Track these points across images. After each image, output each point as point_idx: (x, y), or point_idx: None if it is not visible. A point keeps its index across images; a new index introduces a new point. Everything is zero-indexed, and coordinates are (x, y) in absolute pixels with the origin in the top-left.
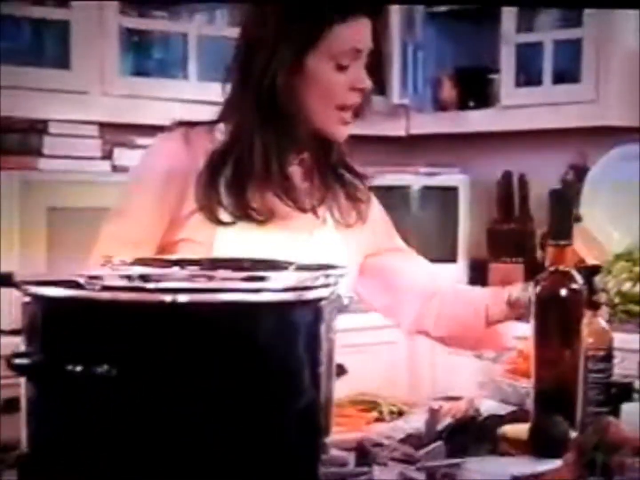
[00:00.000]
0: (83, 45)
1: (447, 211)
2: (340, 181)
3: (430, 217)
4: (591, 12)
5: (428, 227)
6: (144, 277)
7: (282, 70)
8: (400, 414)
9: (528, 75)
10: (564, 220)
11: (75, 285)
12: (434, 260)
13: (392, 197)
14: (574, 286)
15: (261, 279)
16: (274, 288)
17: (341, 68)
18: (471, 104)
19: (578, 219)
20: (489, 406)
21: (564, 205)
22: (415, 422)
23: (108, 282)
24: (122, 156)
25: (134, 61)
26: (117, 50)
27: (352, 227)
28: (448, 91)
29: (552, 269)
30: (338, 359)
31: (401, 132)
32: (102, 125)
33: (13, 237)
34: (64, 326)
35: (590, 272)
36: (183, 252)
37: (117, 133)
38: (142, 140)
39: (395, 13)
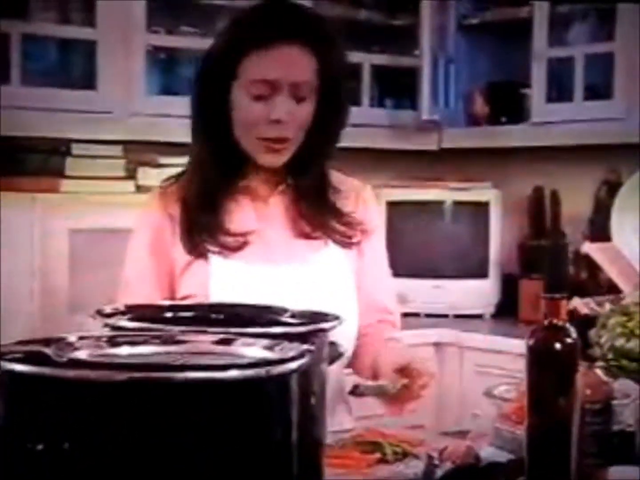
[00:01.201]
0: (109, 65)
1: (478, 226)
2: (331, 206)
3: (461, 232)
4: (623, 26)
5: (459, 242)
6: (113, 341)
7: (211, 100)
8: (405, 454)
9: (560, 91)
10: (559, 273)
11: (42, 357)
12: (464, 276)
13: (423, 212)
14: (569, 341)
15: (230, 341)
16: (239, 364)
17: (258, 98)
18: (503, 119)
19: None
20: (488, 453)
21: (559, 258)
22: (416, 467)
23: (75, 354)
24: (147, 175)
25: (161, 80)
26: (144, 69)
27: (356, 246)
28: (480, 106)
29: (546, 322)
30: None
31: (433, 147)
32: (127, 145)
33: (34, 259)
34: (26, 400)
35: (585, 324)
36: None
37: (141, 152)
38: (166, 160)
39: (426, 26)
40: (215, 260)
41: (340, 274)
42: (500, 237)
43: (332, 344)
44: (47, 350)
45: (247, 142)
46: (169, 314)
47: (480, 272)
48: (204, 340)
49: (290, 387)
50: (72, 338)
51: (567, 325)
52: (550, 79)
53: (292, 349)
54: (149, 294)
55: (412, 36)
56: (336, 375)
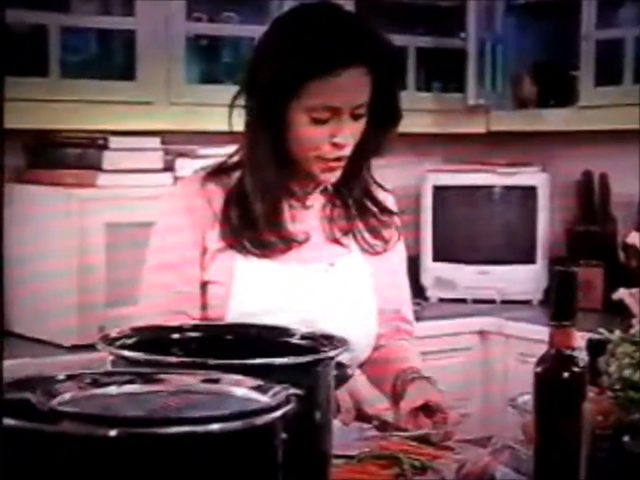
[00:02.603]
0: (148, 55)
1: (526, 211)
2: (363, 214)
3: (508, 216)
4: None
5: (506, 227)
6: (98, 381)
7: (263, 117)
8: (424, 468)
9: (609, 73)
10: (568, 300)
11: (26, 406)
12: (512, 261)
13: (470, 197)
14: (576, 369)
15: (216, 381)
16: (221, 416)
17: (317, 122)
18: (552, 101)
19: None
20: (504, 475)
21: (569, 284)
22: None
23: (60, 399)
24: (185, 166)
25: (201, 68)
26: (184, 57)
27: (379, 255)
28: (528, 88)
29: (553, 351)
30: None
31: (481, 130)
32: (165, 137)
33: (71, 254)
34: (7, 452)
35: (597, 349)
36: (208, 295)
37: (179, 143)
38: (204, 150)
39: (472, 8)
40: (243, 258)
41: (363, 280)
42: (548, 222)
43: (341, 365)
44: (32, 397)
45: (305, 159)
46: (176, 336)
47: (528, 258)
48: (192, 380)
49: (275, 434)
50: (60, 377)
51: (575, 353)
52: (599, 61)
53: (279, 392)
54: (187, 270)
55: (459, 18)
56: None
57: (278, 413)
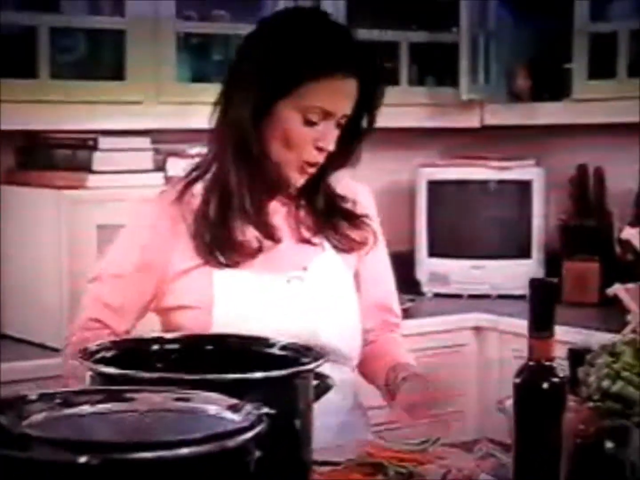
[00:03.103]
0: (138, 54)
1: (521, 205)
2: (331, 212)
3: (503, 211)
4: None
5: (501, 221)
6: (69, 401)
7: (251, 113)
8: (410, 475)
9: (602, 67)
10: (546, 311)
11: None
12: (507, 256)
13: (464, 191)
14: (555, 380)
15: (189, 399)
16: (192, 439)
17: (309, 123)
18: (546, 95)
19: None
20: None
21: (546, 295)
22: None
23: (32, 420)
24: (176, 166)
25: (191, 66)
26: (174, 56)
27: (354, 252)
28: (522, 81)
29: (532, 362)
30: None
31: (475, 124)
32: (155, 136)
33: (62, 255)
34: None
35: (578, 358)
36: (181, 319)
37: (170, 143)
38: (195, 150)
39: (464, 4)
40: (221, 274)
41: (339, 278)
42: (543, 216)
43: (323, 376)
44: (3, 420)
45: (285, 160)
46: (155, 347)
47: (523, 252)
48: (165, 398)
49: (247, 455)
50: (32, 397)
51: (554, 364)
52: (592, 54)
53: (251, 412)
54: (132, 290)
55: (452, 12)
56: (350, 387)
57: (249, 434)
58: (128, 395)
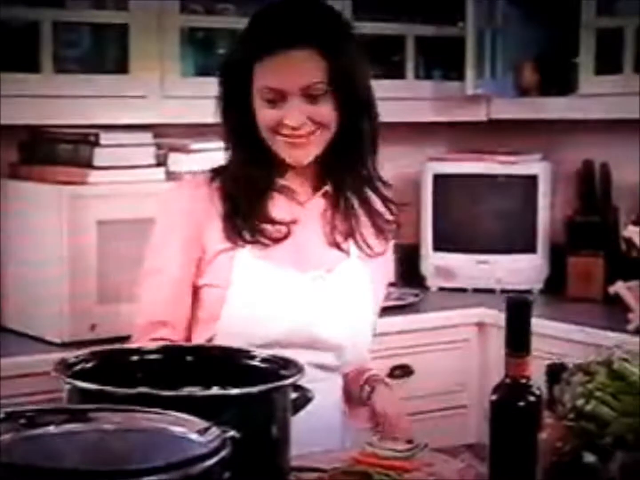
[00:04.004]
0: (142, 48)
1: (527, 199)
2: (367, 211)
3: (508, 205)
4: None
5: (506, 216)
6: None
7: (234, 103)
8: None
9: (608, 62)
10: (522, 329)
11: None
12: (512, 250)
13: (470, 185)
14: (531, 398)
15: (155, 419)
16: (154, 467)
17: (270, 102)
18: (553, 89)
19: None
20: None
21: (522, 314)
22: None
23: None
24: (178, 162)
25: (196, 60)
26: (178, 50)
27: (376, 257)
28: (529, 76)
29: (508, 380)
30: (408, 359)
31: (481, 118)
32: (159, 131)
33: (62, 251)
34: None
35: (556, 375)
36: (205, 298)
37: (174, 137)
38: (197, 145)
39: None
40: (241, 256)
41: (361, 286)
42: (549, 211)
43: (302, 389)
44: None
45: (271, 142)
46: (135, 358)
47: (528, 247)
48: (131, 418)
49: (213, 478)
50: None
51: (530, 382)
52: (599, 49)
53: (218, 436)
54: (178, 279)
55: (458, 6)
56: (333, 394)
57: (212, 461)
58: (94, 414)
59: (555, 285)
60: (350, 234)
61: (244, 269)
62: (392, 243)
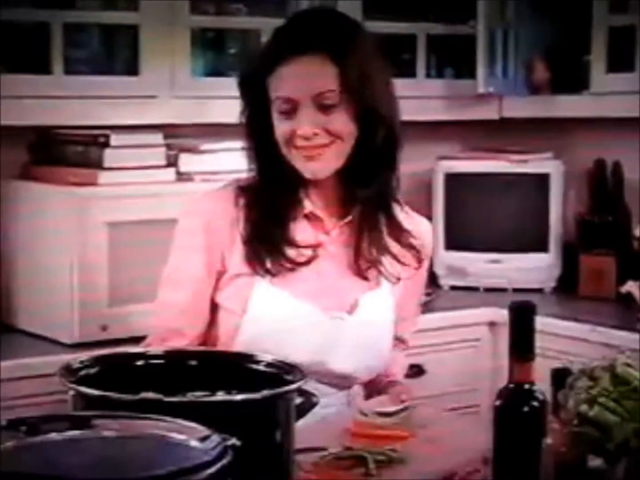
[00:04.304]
0: (152, 49)
1: (539, 198)
2: (394, 230)
3: (520, 204)
4: None
5: (518, 214)
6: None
7: (254, 123)
8: (390, 461)
9: (620, 60)
10: (526, 334)
11: None
12: (524, 249)
13: (482, 184)
14: (535, 404)
15: (157, 426)
16: (154, 476)
17: (283, 114)
18: (565, 88)
19: None
20: None
21: (526, 318)
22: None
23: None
24: (188, 162)
25: (206, 60)
26: (189, 51)
27: (404, 278)
28: (541, 73)
29: (512, 385)
30: (421, 359)
31: (493, 116)
32: (169, 131)
33: (74, 252)
34: None
35: (561, 380)
36: (221, 321)
37: (183, 138)
38: (208, 145)
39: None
40: (260, 284)
41: (383, 320)
42: (561, 210)
43: (307, 393)
44: None
45: (289, 156)
46: (139, 362)
47: (540, 246)
48: (133, 425)
49: None
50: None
51: (535, 387)
52: (611, 48)
53: (218, 444)
54: (198, 290)
55: (470, 3)
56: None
57: (213, 469)
58: (95, 422)
59: (568, 284)
60: (376, 261)
61: (261, 297)
62: (427, 260)
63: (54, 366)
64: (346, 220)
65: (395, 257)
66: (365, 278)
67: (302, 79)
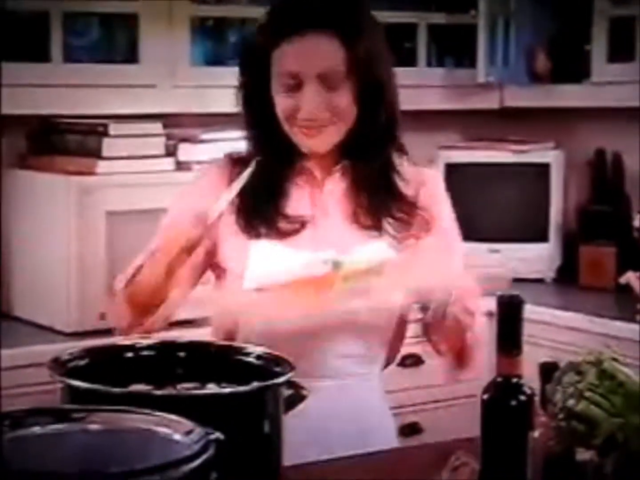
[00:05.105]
0: (152, 37)
1: (539, 188)
2: (391, 194)
3: (521, 194)
4: None
5: (519, 204)
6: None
7: (253, 93)
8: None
9: (621, 50)
10: (513, 328)
11: None
12: (524, 239)
13: (482, 174)
14: (522, 398)
15: (141, 420)
16: (138, 470)
17: (287, 89)
18: (565, 77)
19: None
20: None
21: (513, 312)
22: None
23: None
24: (187, 152)
25: (206, 49)
26: (188, 39)
27: (407, 241)
28: (542, 62)
29: (499, 379)
30: (418, 348)
31: (494, 105)
32: (167, 121)
33: (72, 241)
34: None
35: (549, 374)
36: (223, 281)
37: (182, 128)
38: (207, 135)
39: None
40: (261, 242)
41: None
42: (561, 200)
43: (297, 386)
44: None
45: (289, 130)
46: (129, 354)
47: (540, 236)
48: (117, 418)
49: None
50: None
51: (522, 381)
52: (612, 37)
53: (202, 437)
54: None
55: None
56: (378, 392)
57: (196, 463)
58: (79, 415)
59: (568, 274)
60: (374, 210)
61: (259, 250)
62: (443, 209)
63: (51, 354)
64: (337, 169)
65: (396, 218)
66: (366, 228)
67: (309, 55)
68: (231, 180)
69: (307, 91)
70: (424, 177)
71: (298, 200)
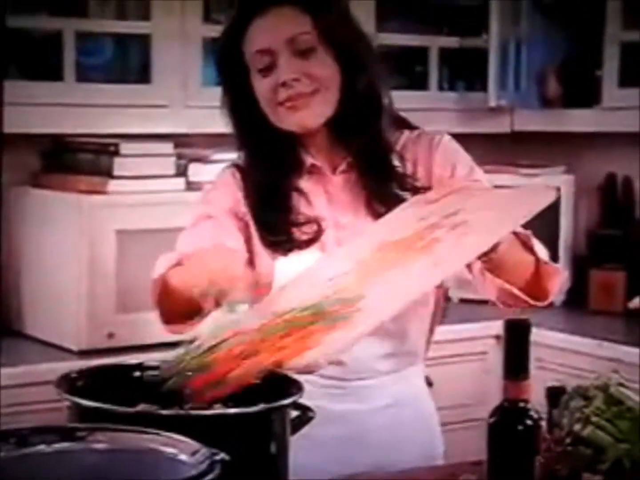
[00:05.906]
0: (164, 58)
1: (549, 212)
2: (395, 179)
3: (531, 217)
4: None
5: (528, 228)
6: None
7: (237, 96)
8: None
9: (632, 75)
10: (521, 352)
11: None
12: None
13: None
14: (529, 422)
15: (147, 439)
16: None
17: (264, 72)
18: (576, 102)
19: None
20: None
21: (521, 337)
22: None
23: None
24: (198, 172)
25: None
26: (200, 60)
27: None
28: (553, 87)
29: (506, 404)
30: (428, 371)
31: (506, 129)
32: (180, 141)
33: (82, 259)
34: None
35: (556, 398)
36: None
37: (193, 148)
38: (218, 155)
39: (494, 8)
40: (283, 260)
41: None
42: (571, 224)
43: (304, 407)
44: None
45: (272, 115)
46: (137, 373)
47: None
48: (123, 437)
49: None
50: None
51: (529, 406)
52: (623, 62)
53: (207, 458)
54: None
55: (483, 18)
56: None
57: None
58: (85, 434)
59: (577, 298)
60: (385, 197)
61: (285, 271)
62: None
63: (61, 373)
64: (343, 166)
65: (404, 189)
66: (383, 215)
67: (275, 27)
68: (240, 188)
69: (281, 63)
70: (431, 145)
71: (314, 202)
